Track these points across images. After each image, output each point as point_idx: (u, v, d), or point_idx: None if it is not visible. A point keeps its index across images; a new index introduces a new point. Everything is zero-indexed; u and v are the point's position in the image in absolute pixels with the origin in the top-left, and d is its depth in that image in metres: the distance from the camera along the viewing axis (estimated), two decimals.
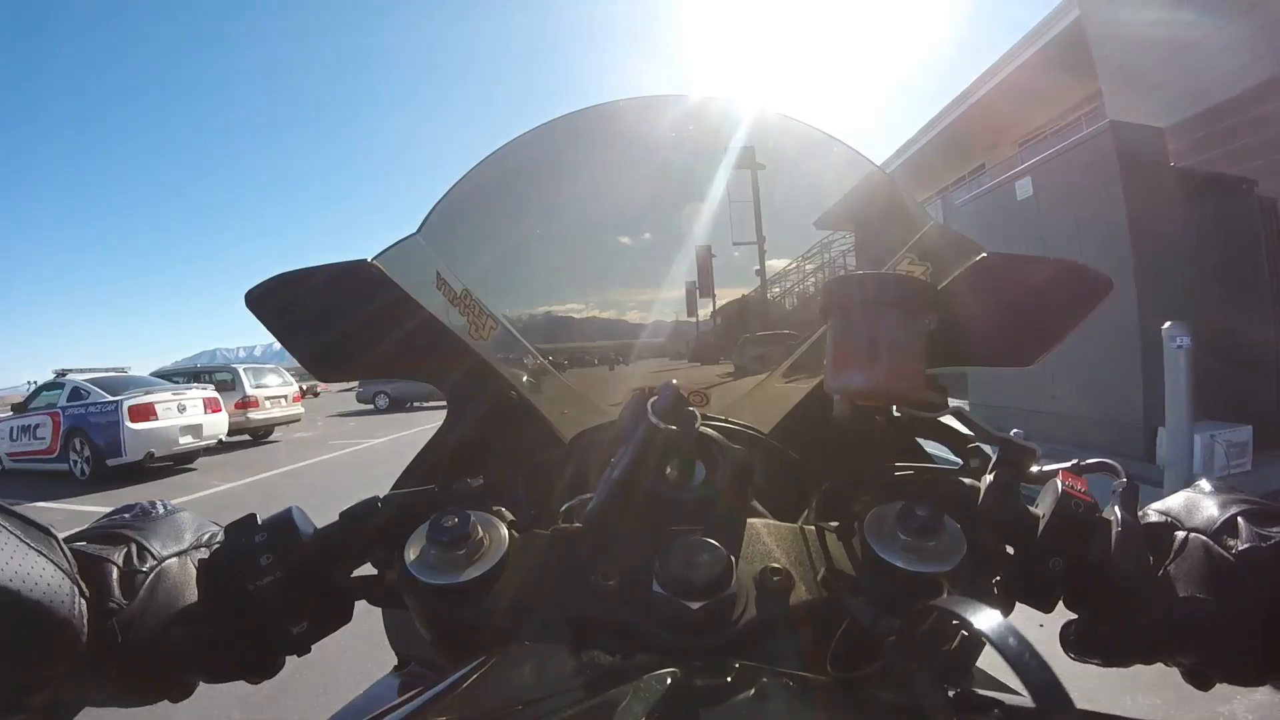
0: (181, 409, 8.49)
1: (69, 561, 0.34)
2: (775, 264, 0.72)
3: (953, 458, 0.52)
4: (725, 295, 0.72)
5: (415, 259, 0.61)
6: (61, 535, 0.36)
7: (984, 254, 0.57)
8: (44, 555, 0.33)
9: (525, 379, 0.67)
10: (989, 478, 0.45)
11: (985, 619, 0.28)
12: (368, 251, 0.60)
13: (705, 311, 0.72)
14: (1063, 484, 0.43)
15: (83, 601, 0.34)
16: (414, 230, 0.62)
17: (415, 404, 18.47)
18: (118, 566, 0.38)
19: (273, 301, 0.58)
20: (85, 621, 0.33)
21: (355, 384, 20.02)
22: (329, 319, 0.59)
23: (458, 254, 0.64)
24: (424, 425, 12.52)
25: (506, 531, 0.43)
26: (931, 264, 0.62)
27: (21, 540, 0.32)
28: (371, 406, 18.80)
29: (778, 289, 0.73)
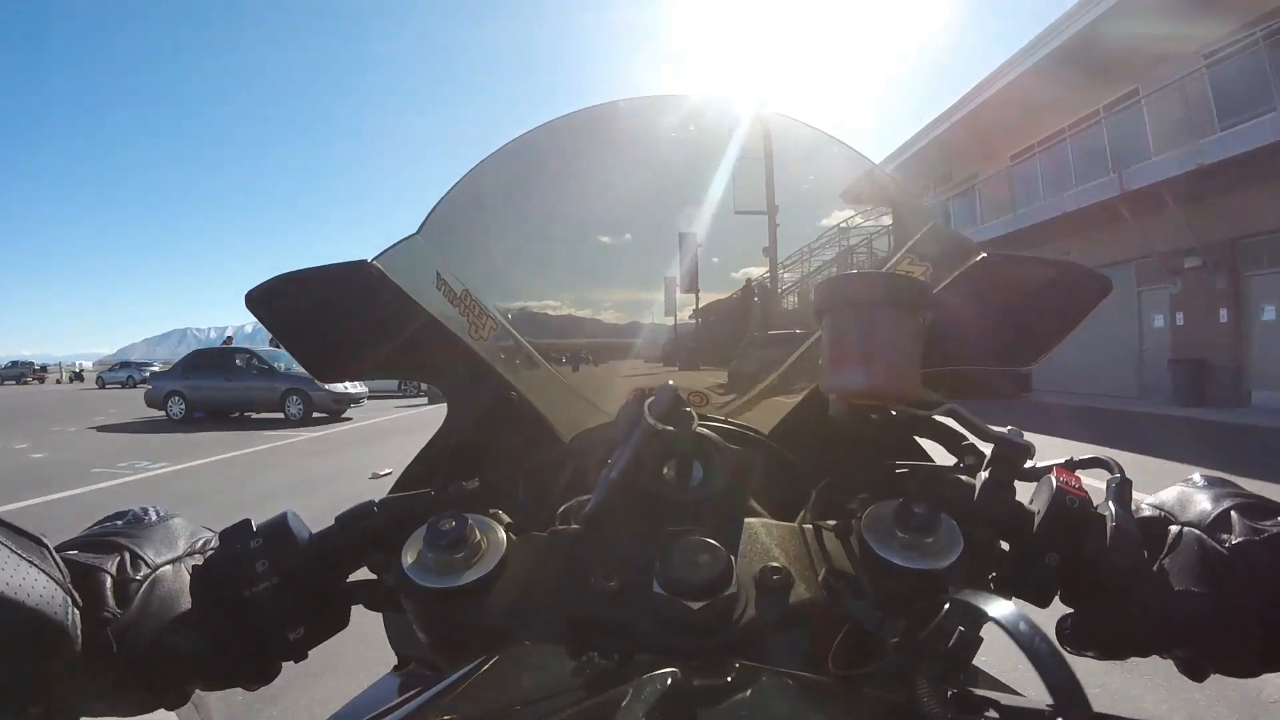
0: None
1: (61, 571, 0.34)
2: (781, 265, 0.72)
3: (949, 456, 0.52)
4: (721, 293, 0.71)
5: (415, 259, 0.61)
6: (52, 544, 0.35)
7: (984, 254, 0.57)
8: (35, 565, 0.32)
9: (525, 379, 0.67)
10: (984, 475, 0.45)
11: (998, 608, 0.28)
12: (368, 251, 0.60)
13: (686, 313, 0.71)
14: (1057, 480, 0.43)
15: (76, 611, 0.33)
16: (414, 231, 0.62)
17: (247, 413, 13.13)
18: (111, 575, 0.37)
19: (273, 301, 0.58)
20: (79, 631, 0.33)
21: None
22: (329, 319, 0.59)
23: (457, 254, 0.64)
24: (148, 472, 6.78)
25: (504, 534, 0.43)
26: (931, 264, 0.62)
27: (12, 550, 0.32)
28: (163, 415, 12.98)
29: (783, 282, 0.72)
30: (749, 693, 0.33)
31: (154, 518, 0.44)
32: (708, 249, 0.70)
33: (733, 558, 0.39)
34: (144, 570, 0.39)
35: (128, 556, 0.39)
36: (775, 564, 0.40)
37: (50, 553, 0.34)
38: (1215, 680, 0.40)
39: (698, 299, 0.71)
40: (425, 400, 16.62)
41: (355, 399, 13.70)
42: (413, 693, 0.36)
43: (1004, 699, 0.35)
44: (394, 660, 0.74)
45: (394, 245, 0.60)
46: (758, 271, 0.72)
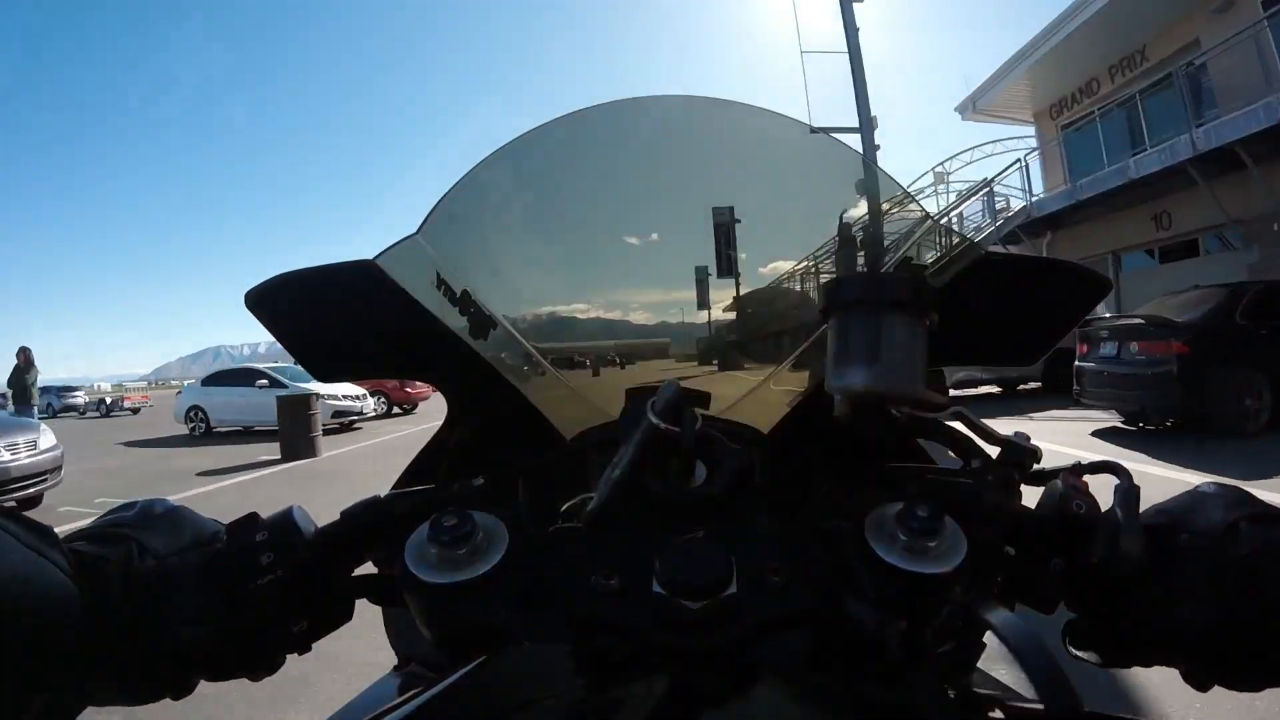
0: None
1: (70, 562, 0.34)
2: (782, 264, 0.72)
3: (954, 458, 0.52)
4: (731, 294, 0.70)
5: (415, 259, 0.61)
6: (60, 535, 0.36)
7: (983, 253, 0.57)
8: (44, 556, 0.33)
9: (526, 379, 0.67)
10: (990, 478, 0.45)
11: (997, 615, 0.28)
12: (371, 250, 0.60)
13: (720, 307, 0.70)
14: (1064, 485, 0.43)
15: (83, 602, 0.34)
16: (414, 230, 0.62)
17: None
18: (118, 566, 0.38)
19: (272, 302, 0.58)
20: (86, 622, 0.34)
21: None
22: (329, 319, 0.60)
23: (458, 254, 0.64)
24: None
25: (507, 531, 0.44)
26: (930, 263, 0.62)
27: (21, 541, 0.32)
28: None
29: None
30: (749, 693, 0.33)
31: (161, 509, 0.44)
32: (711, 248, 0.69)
33: (733, 558, 0.39)
34: (150, 561, 0.39)
35: (134, 548, 0.39)
36: (776, 565, 0.40)
37: (58, 544, 0.34)
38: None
39: (738, 287, 0.69)
40: (277, 456, 9.38)
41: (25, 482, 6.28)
42: (413, 693, 0.36)
43: (1006, 699, 0.35)
44: (394, 660, 0.74)
45: (394, 245, 0.60)
46: (787, 265, 0.72)
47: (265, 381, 13.38)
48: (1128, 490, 0.42)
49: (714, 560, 0.37)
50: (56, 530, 0.35)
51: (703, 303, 0.69)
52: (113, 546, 0.39)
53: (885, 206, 0.70)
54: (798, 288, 0.73)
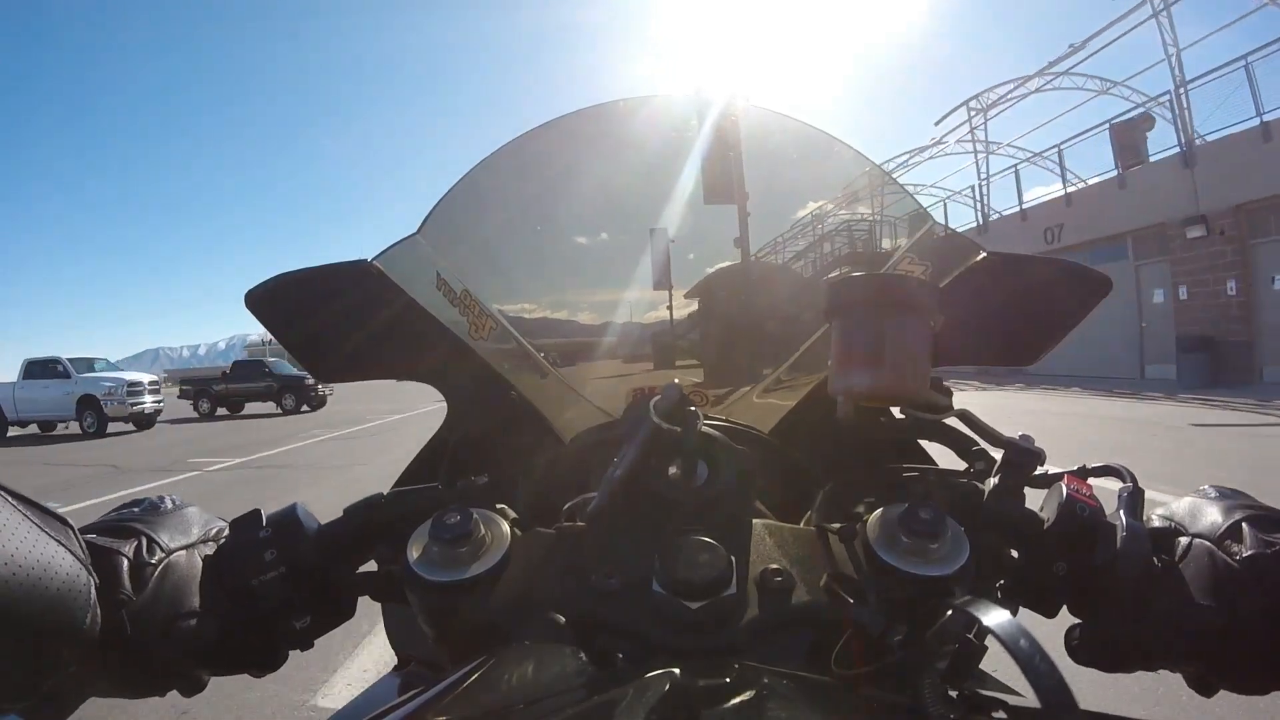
0: None
1: (84, 552, 0.35)
2: (780, 261, 0.72)
3: (958, 461, 0.52)
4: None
5: (415, 259, 0.61)
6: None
7: (984, 253, 0.57)
8: (63, 545, 0.33)
9: (525, 379, 0.67)
10: (993, 481, 0.44)
11: (996, 618, 0.28)
12: (366, 253, 0.60)
13: (676, 305, 0.70)
14: (1068, 488, 0.42)
15: (95, 590, 0.34)
16: (414, 231, 0.62)
17: None
18: (128, 559, 0.38)
19: (272, 302, 0.58)
20: (98, 612, 0.34)
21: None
22: (329, 319, 0.60)
23: (457, 254, 0.64)
24: None
25: (509, 530, 0.43)
26: (932, 264, 0.62)
27: (42, 530, 0.33)
28: None
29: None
30: (750, 694, 0.33)
31: (169, 505, 0.45)
32: (711, 246, 0.70)
33: (733, 558, 0.39)
34: (158, 555, 0.40)
35: (144, 541, 0.40)
36: (777, 565, 0.40)
37: (75, 534, 0.35)
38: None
39: (745, 247, 0.70)
40: None
41: None
42: (413, 693, 0.36)
43: (1009, 700, 0.35)
44: (394, 660, 0.73)
45: (394, 245, 0.60)
46: (784, 262, 0.72)
47: None
48: (1132, 494, 0.41)
49: (714, 560, 0.37)
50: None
51: (660, 279, 0.68)
52: (124, 539, 0.39)
53: (882, 201, 0.70)
54: (798, 287, 0.73)
